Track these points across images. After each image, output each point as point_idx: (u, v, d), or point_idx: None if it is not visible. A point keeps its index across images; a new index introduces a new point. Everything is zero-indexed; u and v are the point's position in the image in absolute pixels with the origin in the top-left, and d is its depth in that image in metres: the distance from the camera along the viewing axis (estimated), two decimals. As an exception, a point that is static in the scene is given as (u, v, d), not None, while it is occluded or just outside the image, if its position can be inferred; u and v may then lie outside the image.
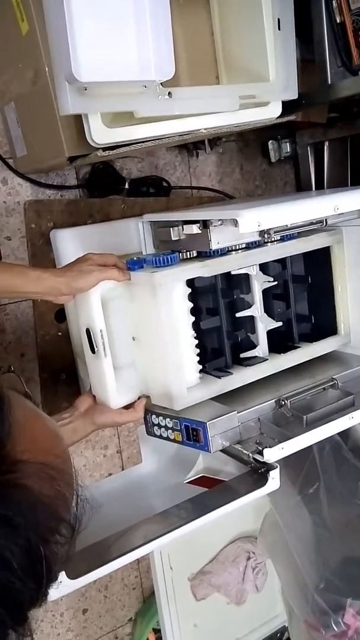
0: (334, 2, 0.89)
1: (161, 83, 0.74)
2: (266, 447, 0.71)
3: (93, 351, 0.75)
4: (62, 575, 0.60)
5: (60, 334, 1.00)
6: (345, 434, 0.99)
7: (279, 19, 0.84)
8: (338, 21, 0.90)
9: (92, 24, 0.66)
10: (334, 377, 0.83)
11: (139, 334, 0.77)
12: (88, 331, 0.75)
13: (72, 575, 0.61)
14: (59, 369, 1.01)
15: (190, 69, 0.91)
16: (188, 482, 0.83)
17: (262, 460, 0.72)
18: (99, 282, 0.72)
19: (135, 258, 0.76)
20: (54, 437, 0.39)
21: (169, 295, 0.73)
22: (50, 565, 0.34)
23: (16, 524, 0.32)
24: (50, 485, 0.35)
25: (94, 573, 0.63)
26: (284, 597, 1.13)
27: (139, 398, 0.79)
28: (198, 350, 0.79)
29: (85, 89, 0.69)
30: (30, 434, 0.37)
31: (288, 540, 1.00)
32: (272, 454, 0.71)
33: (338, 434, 0.89)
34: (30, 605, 0.34)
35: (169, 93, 0.75)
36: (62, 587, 0.61)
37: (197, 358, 0.79)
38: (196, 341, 0.78)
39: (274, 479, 0.71)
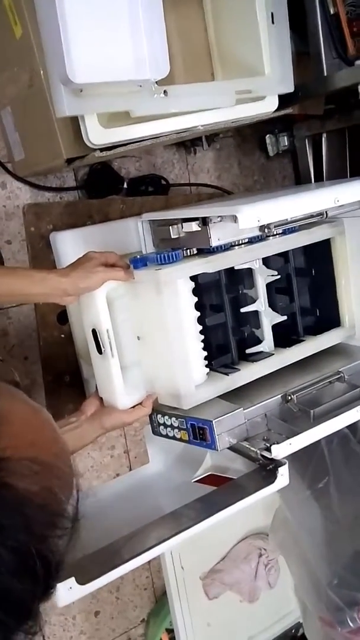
0: (327, -7, 0.88)
1: (156, 81, 0.73)
2: (274, 444, 0.71)
3: (100, 352, 0.74)
4: (72, 581, 0.60)
5: (62, 336, 1.00)
6: (353, 426, 0.98)
7: (272, 13, 0.84)
8: (332, 12, 0.89)
9: (85, 24, 0.66)
10: (340, 370, 0.83)
11: (144, 333, 0.77)
12: (94, 332, 0.74)
13: (82, 581, 0.61)
14: (62, 371, 1.01)
15: (185, 66, 0.91)
16: (196, 481, 0.83)
17: (270, 456, 0.71)
18: (105, 282, 0.72)
19: (138, 256, 0.75)
20: (43, 428, 0.38)
21: (174, 292, 0.73)
22: (49, 560, 0.33)
23: (1, 525, 0.31)
24: (38, 480, 0.34)
25: (104, 577, 0.62)
26: (297, 593, 1.12)
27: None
28: (204, 348, 0.78)
29: (81, 91, 0.69)
30: (16, 426, 0.35)
31: (299, 536, 1.00)
32: (280, 450, 0.71)
33: (346, 426, 0.88)
34: (33, 602, 0.33)
35: (165, 91, 0.74)
36: (73, 592, 0.60)
37: (204, 355, 0.78)
38: (202, 338, 0.78)
39: (283, 476, 0.71)
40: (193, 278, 0.76)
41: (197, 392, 0.76)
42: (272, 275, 0.84)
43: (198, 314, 0.77)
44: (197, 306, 0.77)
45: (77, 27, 0.65)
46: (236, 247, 0.78)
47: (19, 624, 0.33)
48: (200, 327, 0.78)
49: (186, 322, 0.75)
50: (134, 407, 0.77)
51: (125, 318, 0.76)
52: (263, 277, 0.84)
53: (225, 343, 0.82)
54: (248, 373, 0.80)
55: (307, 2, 0.91)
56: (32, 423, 0.37)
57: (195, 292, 0.77)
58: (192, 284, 0.76)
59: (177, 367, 0.73)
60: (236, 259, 0.78)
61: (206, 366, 0.79)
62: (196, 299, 0.77)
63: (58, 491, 0.35)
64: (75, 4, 0.65)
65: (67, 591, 0.60)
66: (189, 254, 0.77)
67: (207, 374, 0.79)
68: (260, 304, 0.84)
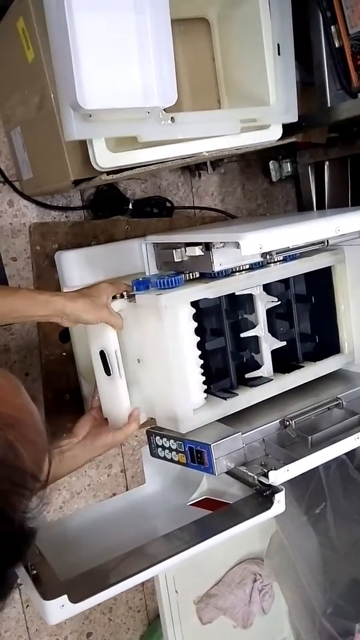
0: (332, 27, 0.91)
1: (164, 108, 0.75)
2: (271, 470, 0.71)
3: (108, 373, 0.74)
4: (64, 599, 0.60)
5: (64, 354, 1.01)
6: (351, 453, 0.98)
7: (278, 45, 0.86)
8: (337, 45, 0.91)
9: (96, 52, 0.68)
10: (338, 396, 0.83)
11: (143, 356, 0.77)
12: (102, 353, 0.74)
13: (74, 599, 0.60)
14: (63, 389, 1.01)
15: (192, 94, 0.93)
16: (191, 504, 0.82)
17: (267, 482, 0.71)
18: (103, 322, 0.72)
19: (140, 279, 0.76)
20: (4, 383, 0.37)
21: (174, 317, 0.73)
22: (10, 517, 0.32)
23: None
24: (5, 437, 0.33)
25: (97, 597, 0.62)
26: (291, 621, 1.10)
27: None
28: (203, 372, 0.79)
29: (90, 116, 0.70)
30: None
31: (295, 562, 0.99)
32: (277, 477, 0.71)
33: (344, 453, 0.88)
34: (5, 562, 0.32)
35: (172, 118, 0.76)
36: (65, 610, 0.60)
37: (203, 379, 0.78)
38: (201, 362, 0.78)
39: (280, 502, 0.71)
40: (194, 302, 0.76)
41: (195, 417, 0.76)
42: (272, 302, 0.85)
43: (198, 338, 0.77)
44: (197, 330, 0.77)
45: (87, 54, 0.67)
46: (237, 274, 0.78)
47: None
48: (200, 352, 0.78)
49: (186, 346, 0.75)
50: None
51: (125, 340, 0.77)
52: (263, 303, 0.84)
53: (225, 367, 0.82)
54: (246, 398, 0.80)
55: (313, 35, 0.93)
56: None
57: (195, 316, 0.77)
58: (192, 309, 0.76)
59: (175, 391, 0.73)
60: (237, 285, 0.79)
61: (205, 390, 0.79)
62: (196, 323, 0.77)
63: (19, 446, 0.34)
64: (86, 32, 0.67)
65: (59, 609, 0.59)
66: (190, 277, 0.78)
67: (206, 398, 0.79)
68: (260, 330, 0.84)
